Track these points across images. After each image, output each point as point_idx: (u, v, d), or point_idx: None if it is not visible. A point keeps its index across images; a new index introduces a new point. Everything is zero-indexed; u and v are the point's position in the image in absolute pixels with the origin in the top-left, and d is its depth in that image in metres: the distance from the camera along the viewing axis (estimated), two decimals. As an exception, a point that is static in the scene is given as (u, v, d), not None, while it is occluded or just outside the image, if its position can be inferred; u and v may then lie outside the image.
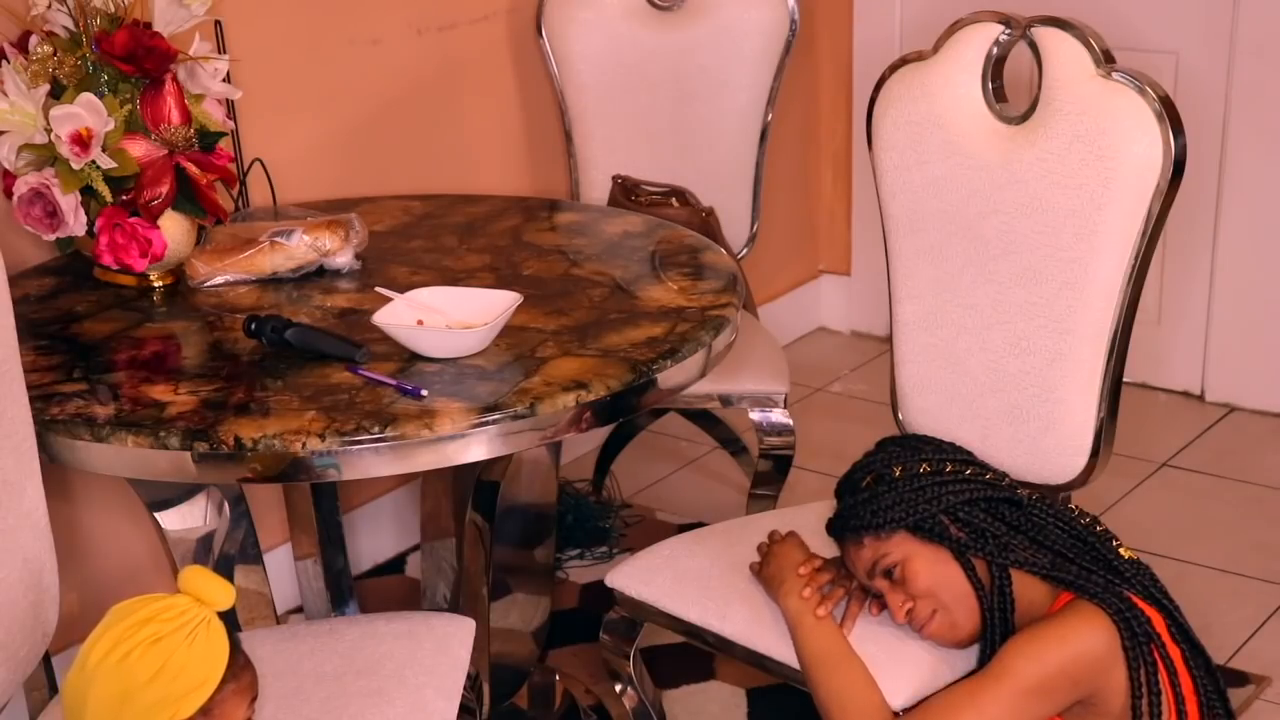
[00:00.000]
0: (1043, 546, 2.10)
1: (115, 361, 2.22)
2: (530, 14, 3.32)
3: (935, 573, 2.09)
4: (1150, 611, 2.05)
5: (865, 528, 2.11)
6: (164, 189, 2.37)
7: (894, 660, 2.12)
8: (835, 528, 2.18)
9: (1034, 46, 2.24)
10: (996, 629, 2.08)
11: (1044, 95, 2.22)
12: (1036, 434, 2.29)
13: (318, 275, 2.47)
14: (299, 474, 2.00)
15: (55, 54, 2.36)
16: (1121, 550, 2.13)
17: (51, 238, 2.40)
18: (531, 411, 2.00)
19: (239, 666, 1.77)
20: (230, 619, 1.78)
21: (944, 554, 2.09)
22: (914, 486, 2.11)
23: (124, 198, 2.37)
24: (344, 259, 2.47)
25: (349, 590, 2.98)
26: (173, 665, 1.68)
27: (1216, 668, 2.12)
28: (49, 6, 2.41)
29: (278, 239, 2.45)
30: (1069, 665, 2.00)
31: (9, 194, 2.41)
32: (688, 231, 2.69)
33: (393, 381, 2.06)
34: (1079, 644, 2.01)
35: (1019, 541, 2.10)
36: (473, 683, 2.52)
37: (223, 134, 2.48)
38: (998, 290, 2.29)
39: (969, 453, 2.22)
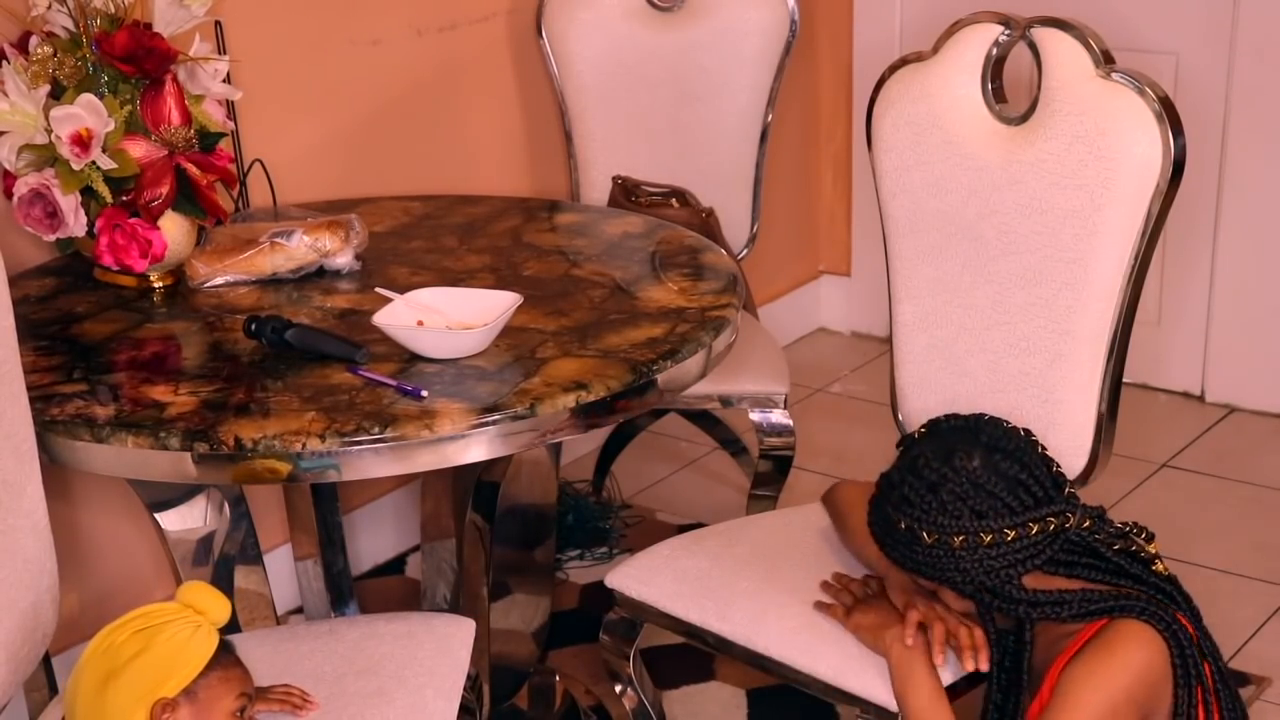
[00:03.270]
0: (1075, 574, 2.05)
1: (115, 362, 2.22)
2: (530, 14, 3.32)
3: (963, 604, 2.08)
4: (1183, 621, 2.02)
5: (919, 573, 2.06)
6: (164, 189, 2.37)
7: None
8: (887, 545, 2.09)
9: (1034, 47, 2.24)
10: (1006, 671, 2.05)
11: (1044, 96, 2.22)
12: (1037, 434, 2.29)
13: (318, 276, 2.47)
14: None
15: (55, 54, 2.36)
16: (1157, 566, 2.08)
17: (52, 238, 2.40)
18: (531, 412, 2.00)
19: (230, 663, 1.82)
20: (232, 629, 1.83)
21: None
22: (974, 560, 2.00)
23: (124, 198, 2.37)
24: (344, 259, 2.47)
25: (349, 591, 2.98)
26: (156, 648, 1.76)
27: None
28: (49, 7, 2.41)
29: (278, 239, 2.45)
30: (1134, 688, 1.96)
31: (9, 194, 2.41)
32: (688, 232, 2.69)
33: (393, 382, 2.06)
34: (1139, 666, 1.97)
35: (1051, 584, 2.04)
36: (473, 683, 2.52)
37: (223, 134, 2.48)
38: (997, 291, 2.29)
39: (1029, 471, 2.05)
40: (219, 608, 1.83)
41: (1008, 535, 2.00)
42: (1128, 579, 2.05)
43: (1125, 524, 2.12)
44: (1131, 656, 1.97)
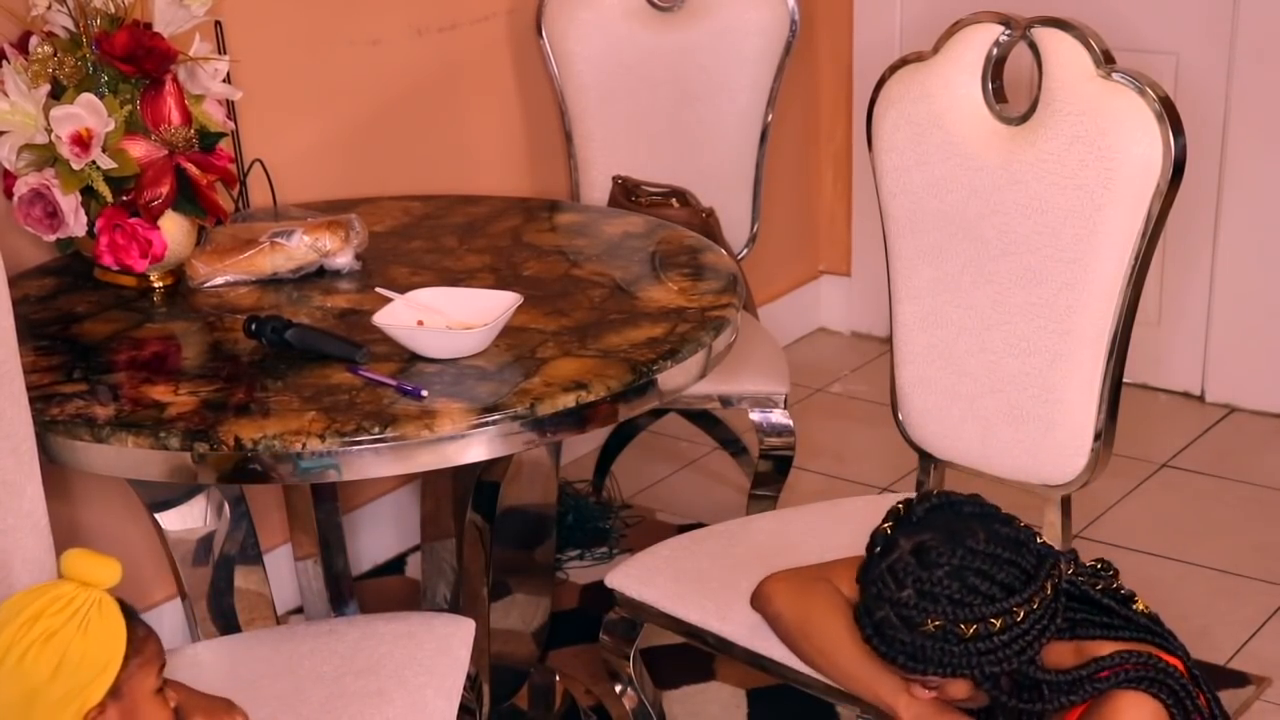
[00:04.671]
0: (1076, 634, 1.98)
1: (115, 362, 2.22)
2: (530, 14, 3.32)
3: (964, 692, 1.97)
4: (1174, 662, 1.97)
5: (917, 669, 1.92)
6: (164, 189, 2.37)
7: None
8: (868, 640, 1.95)
9: (1034, 47, 2.24)
10: None
11: (1044, 96, 2.22)
12: (1036, 435, 2.29)
13: (318, 276, 2.47)
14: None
15: (55, 54, 2.36)
16: (1137, 604, 2.02)
17: (52, 238, 2.40)
18: (531, 412, 2.00)
19: (139, 639, 1.75)
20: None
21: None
22: (983, 648, 1.87)
23: (124, 198, 2.37)
24: (344, 259, 2.47)
25: (349, 591, 2.98)
26: (71, 657, 1.68)
27: (1214, 669, 2.10)
28: (49, 7, 2.41)
29: (278, 239, 2.45)
30: None
31: (9, 194, 2.41)
32: (688, 232, 2.69)
33: (393, 382, 2.06)
34: None
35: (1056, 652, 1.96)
36: (473, 683, 2.52)
37: (223, 134, 2.48)
38: (998, 291, 2.29)
39: (1019, 528, 1.96)
40: (107, 571, 1.73)
41: (1034, 604, 1.90)
42: (1119, 620, 1.98)
43: (1094, 562, 2.06)
44: None
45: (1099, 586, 2.02)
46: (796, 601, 2.10)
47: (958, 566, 1.88)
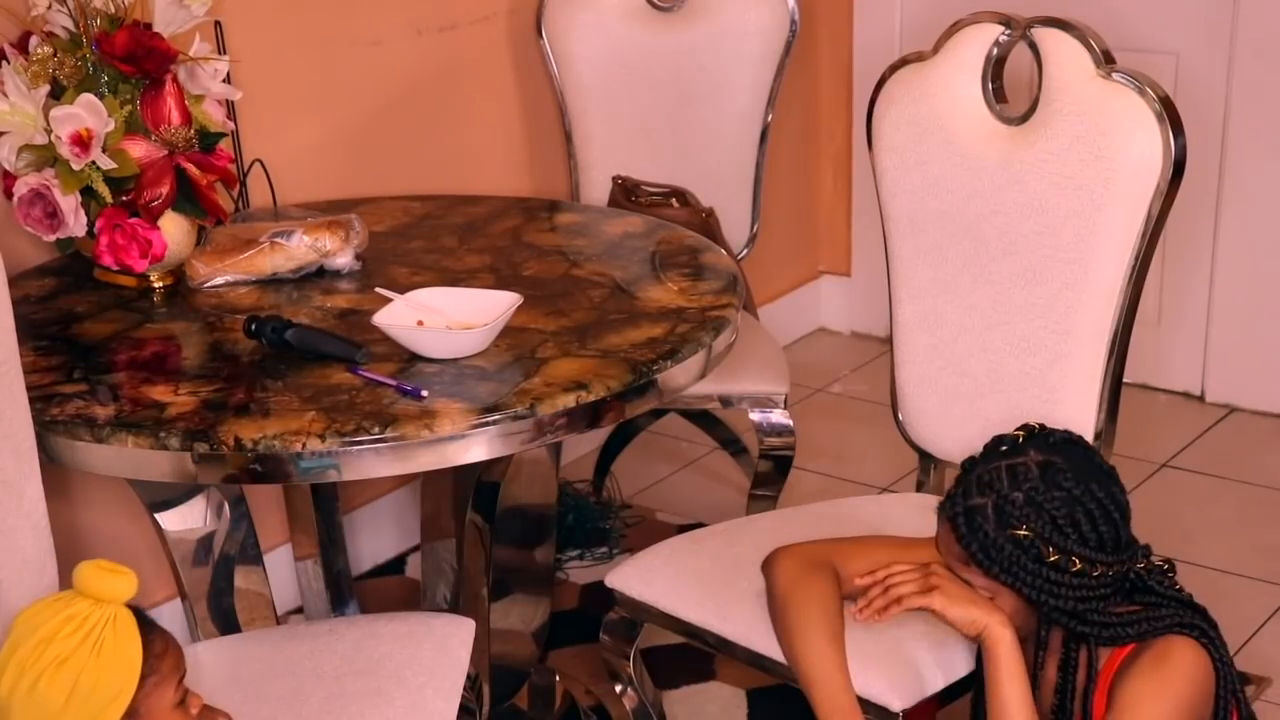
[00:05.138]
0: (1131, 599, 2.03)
1: (115, 362, 2.22)
2: (530, 14, 3.32)
3: (1009, 607, 2.00)
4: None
5: (981, 565, 1.97)
6: (164, 189, 2.37)
7: (895, 660, 2.12)
8: (954, 517, 1.98)
9: (1034, 47, 2.24)
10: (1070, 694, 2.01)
11: (1044, 96, 2.22)
12: (1037, 434, 2.29)
13: (318, 276, 2.47)
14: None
15: (55, 54, 2.36)
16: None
17: (51, 238, 2.40)
18: (531, 412, 2.00)
19: (155, 656, 1.71)
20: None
21: (1025, 610, 1.99)
22: (1055, 579, 1.94)
23: (124, 198, 2.37)
24: (344, 259, 2.47)
25: (349, 591, 2.98)
26: (85, 684, 1.64)
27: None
28: (49, 7, 2.41)
29: (278, 239, 2.45)
30: (1196, 700, 1.95)
31: (9, 195, 2.41)
32: (688, 232, 2.69)
33: (393, 382, 2.06)
34: (1199, 677, 1.95)
35: (1117, 626, 2.00)
36: (473, 683, 2.52)
37: (223, 134, 2.48)
38: (998, 291, 2.29)
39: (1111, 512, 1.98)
40: (122, 586, 1.68)
41: (1111, 570, 1.95)
42: (1180, 604, 2.03)
43: (1162, 561, 2.09)
44: (1191, 671, 1.95)
45: (1164, 584, 2.05)
46: (791, 580, 2.13)
47: (1076, 497, 1.94)
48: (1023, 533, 1.93)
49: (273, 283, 2.45)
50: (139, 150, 2.37)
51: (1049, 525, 1.93)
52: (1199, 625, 1.99)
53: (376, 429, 1.96)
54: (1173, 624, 1.99)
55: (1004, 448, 2.01)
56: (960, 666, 2.14)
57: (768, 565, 2.18)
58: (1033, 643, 2.02)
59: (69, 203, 2.36)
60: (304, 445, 1.95)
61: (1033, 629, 2.02)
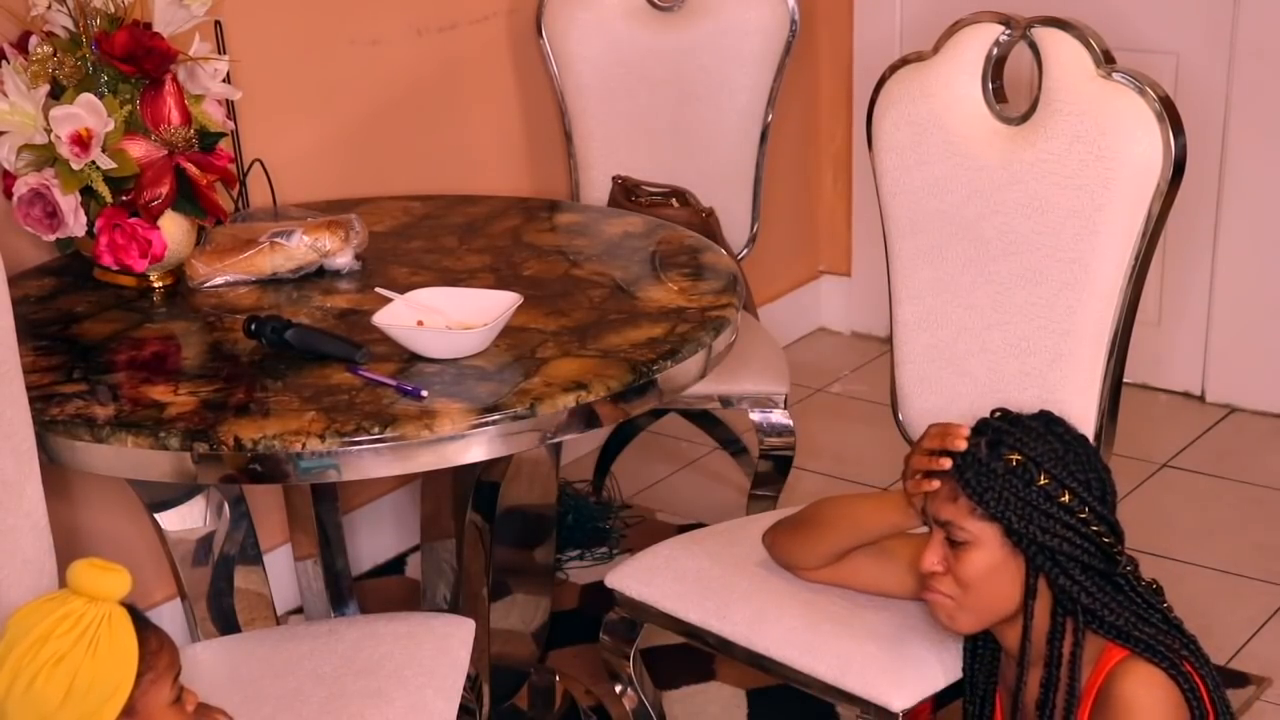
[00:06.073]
0: (1120, 607, 2.02)
1: (115, 362, 2.22)
2: (530, 14, 3.32)
3: (986, 578, 1.98)
4: (1196, 676, 1.99)
5: (972, 492, 1.97)
6: (164, 189, 2.37)
7: (895, 660, 2.12)
8: (958, 456, 2.00)
9: (1034, 47, 2.24)
10: (1058, 680, 2.00)
11: (1044, 96, 2.22)
12: (1037, 434, 2.29)
13: (318, 276, 2.47)
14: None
15: (55, 54, 2.36)
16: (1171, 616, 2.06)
17: (51, 238, 2.40)
18: (531, 412, 2.00)
19: (151, 653, 1.71)
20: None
21: (1011, 571, 1.98)
22: (1043, 508, 1.96)
23: (124, 198, 2.37)
24: (344, 259, 2.47)
25: (349, 591, 2.98)
26: (81, 682, 1.64)
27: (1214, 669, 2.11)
28: (49, 6, 2.41)
29: (277, 239, 2.45)
30: None
31: (9, 194, 2.41)
32: (688, 232, 2.69)
33: (393, 382, 2.06)
34: (1174, 711, 1.95)
35: (1103, 601, 2.00)
36: (473, 683, 2.52)
37: (223, 134, 2.48)
38: (998, 291, 2.29)
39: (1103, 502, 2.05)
40: (115, 584, 1.68)
41: (1097, 525, 1.99)
42: (1162, 621, 2.02)
43: (1150, 580, 2.08)
44: (1172, 707, 1.94)
45: (1156, 602, 2.04)
46: (786, 519, 2.25)
47: (1069, 443, 2.01)
48: (1016, 458, 1.97)
49: (272, 283, 2.45)
50: (139, 150, 2.37)
51: (1042, 452, 1.97)
52: (1184, 655, 1.97)
53: (376, 429, 1.96)
54: (1156, 644, 1.96)
55: (1009, 410, 2.08)
56: (961, 667, 2.14)
57: (767, 535, 2.27)
58: (1018, 624, 2.01)
59: (69, 202, 2.36)
60: (304, 445, 1.95)
61: (1018, 605, 1.99)
